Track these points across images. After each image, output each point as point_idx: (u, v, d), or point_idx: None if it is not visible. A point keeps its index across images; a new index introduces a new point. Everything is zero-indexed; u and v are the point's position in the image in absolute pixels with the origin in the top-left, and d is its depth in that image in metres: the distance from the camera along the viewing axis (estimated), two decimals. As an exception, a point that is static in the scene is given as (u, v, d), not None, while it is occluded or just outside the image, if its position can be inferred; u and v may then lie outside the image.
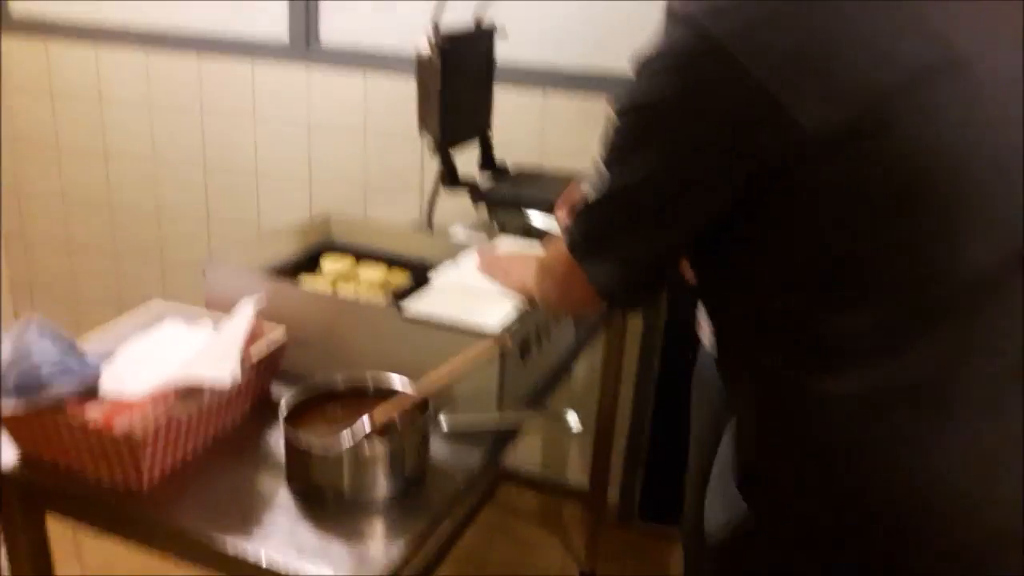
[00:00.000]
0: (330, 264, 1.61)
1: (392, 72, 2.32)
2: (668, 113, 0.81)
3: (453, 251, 1.60)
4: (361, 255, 1.65)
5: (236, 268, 1.43)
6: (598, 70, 2.19)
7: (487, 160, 1.97)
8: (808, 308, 0.80)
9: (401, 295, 1.48)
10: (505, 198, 1.76)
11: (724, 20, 0.77)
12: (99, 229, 2.78)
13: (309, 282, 1.57)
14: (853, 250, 0.78)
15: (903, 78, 0.75)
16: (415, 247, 1.65)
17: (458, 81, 1.75)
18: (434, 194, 1.95)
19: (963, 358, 0.78)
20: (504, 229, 1.81)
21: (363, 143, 2.40)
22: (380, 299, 1.44)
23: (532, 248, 1.52)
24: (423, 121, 1.75)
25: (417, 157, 2.35)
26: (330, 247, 1.67)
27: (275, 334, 1.28)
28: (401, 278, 1.60)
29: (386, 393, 1.17)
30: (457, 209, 2.10)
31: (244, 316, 1.19)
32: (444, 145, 1.77)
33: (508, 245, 1.55)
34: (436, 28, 1.69)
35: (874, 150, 0.75)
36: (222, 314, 1.31)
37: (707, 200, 0.83)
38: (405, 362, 1.26)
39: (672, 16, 0.81)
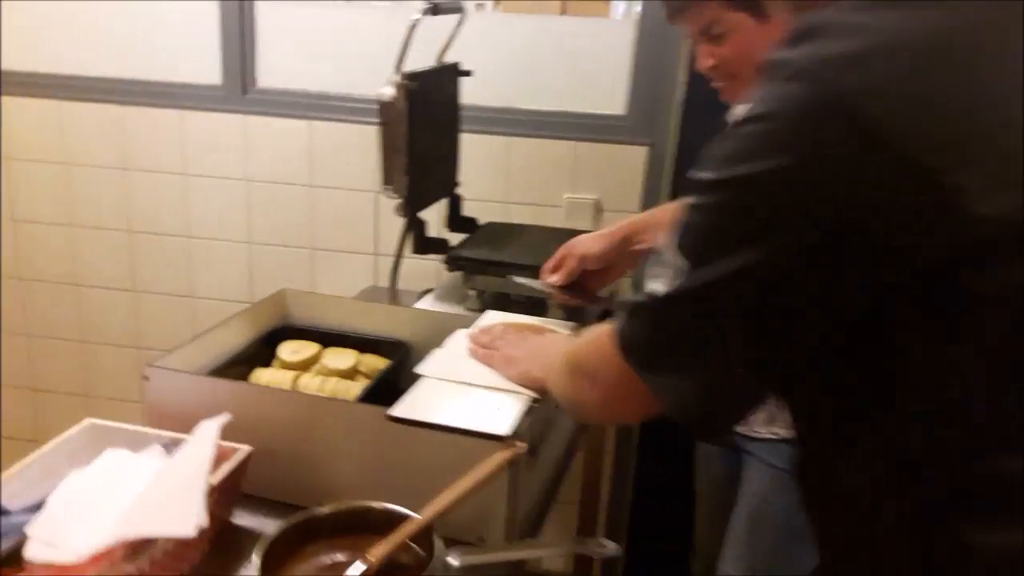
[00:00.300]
0: (290, 352, 1.40)
1: (340, 119, 2.12)
2: (777, 188, 0.63)
3: (431, 328, 1.41)
4: (325, 338, 1.44)
5: (182, 373, 1.20)
6: (564, 112, 2.03)
7: (455, 218, 1.78)
8: (964, 446, 0.64)
9: (379, 388, 1.28)
10: (485, 263, 1.58)
11: (856, 73, 0.60)
12: (7, 305, 2.47)
13: (266, 377, 1.35)
14: None
15: None
16: (386, 325, 1.44)
17: (425, 128, 1.57)
18: (398, 259, 1.75)
19: None
20: (482, 296, 1.62)
21: (309, 198, 2.18)
22: (357, 400, 1.24)
23: (527, 324, 1.33)
24: (388, 177, 1.56)
25: (370, 212, 2.15)
26: (288, 330, 1.46)
27: (238, 453, 1.06)
28: (374, 364, 1.39)
29: (381, 524, 0.96)
30: (418, 269, 1.90)
31: (206, 444, 0.97)
32: (413, 208, 1.58)
33: (496, 319, 1.36)
34: (400, 68, 1.51)
35: None
36: (172, 434, 1.09)
37: (824, 305, 0.65)
38: (394, 477, 1.06)
39: (779, 69, 0.64)
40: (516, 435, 1.02)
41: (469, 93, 1.81)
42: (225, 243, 2.26)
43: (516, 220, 2.04)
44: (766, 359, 0.69)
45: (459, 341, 1.27)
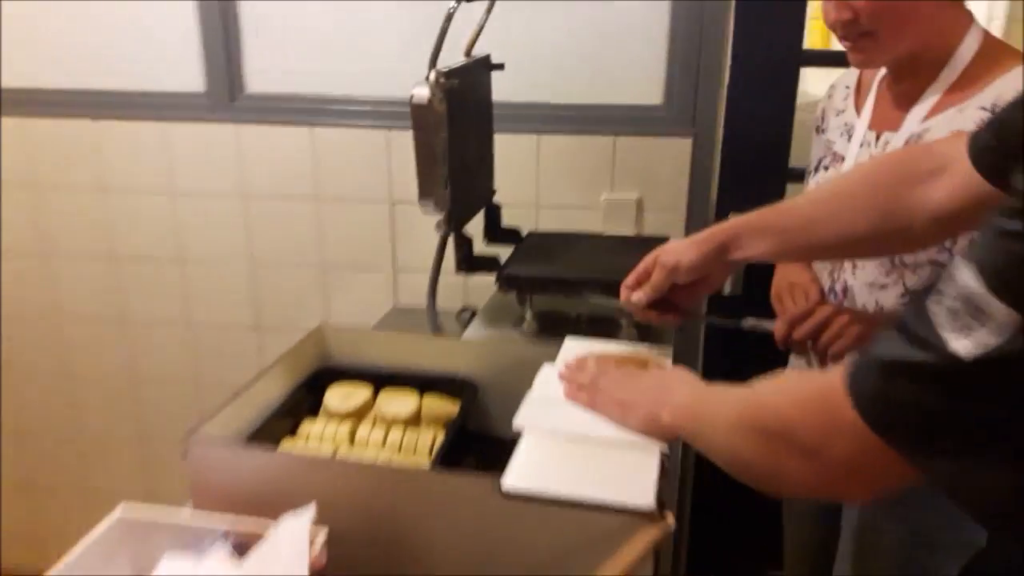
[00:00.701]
0: (339, 399, 1.20)
1: (344, 124, 1.91)
2: None
3: (497, 360, 1.23)
4: (375, 378, 1.24)
5: (229, 446, 1.00)
6: (596, 105, 1.84)
7: (495, 229, 1.59)
8: None
9: (458, 442, 1.09)
10: (547, 282, 1.39)
11: None
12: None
13: (316, 430, 1.15)
14: None
15: None
16: (444, 359, 1.25)
17: (463, 131, 1.38)
18: (435, 279, 1.55)
19: None
20: (539, 317, 1.43)
21: (315, 212, 1.97)
22: (435, 460, 1.05)
23: (623, 355, 1.15)
24: (427, 190, 1.36)
25: (385, 224, 1.95)
26: (332, 372, 1.26)
27: (315, 541, 0.87)
28: (438, 407, 1.20)
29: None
30: (441, 284, 1.69)
31: (295, 552, 0.77)
32: (457, 224, 1.39)
33: (580, 349, 1.18)
34: (435, 65, 1.31)
35: None
36: (226, 518, 0.89)
37: None
38: (507, 563, 0.88)
39: None
40: (662, 507, 0.84)
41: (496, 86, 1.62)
42: (223, 266, 2.04)
43: (547, 225, 1.86)
44: None
45: (551, 380, 1.08)
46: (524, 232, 1.62)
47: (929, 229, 1.00)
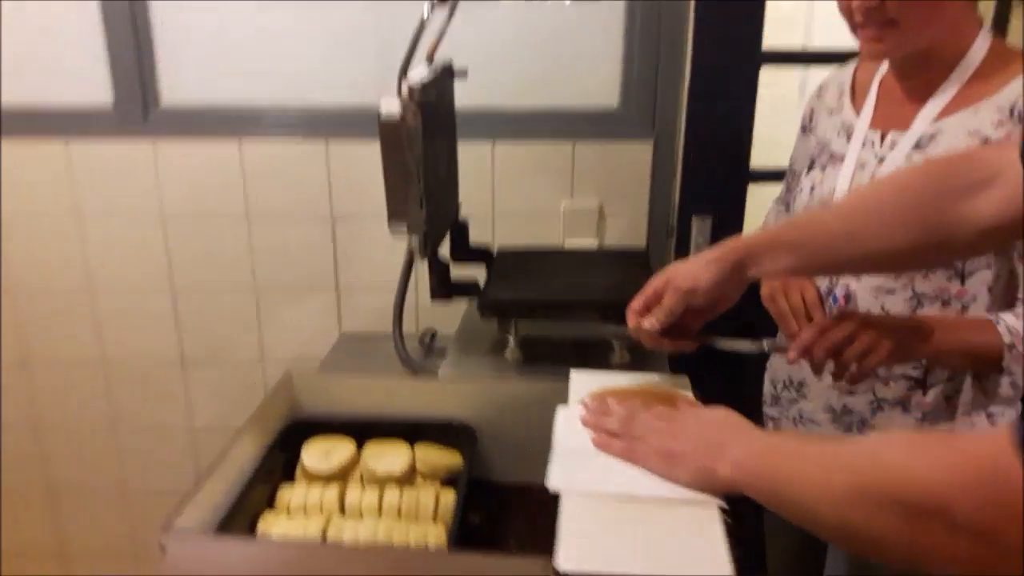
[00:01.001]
0: (317, 458, 1.05)
1: (278, 135, 1.73)
2: None
3: (483, 398, 1.11)
4: (354, 428, 1.10)
5: (216, 540, 0.85)
6: (551, 109, 1.73)
7: (462, 248, 1.46)
8: None
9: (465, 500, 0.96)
10: (534, 305, 1.27)
11: None
12: None
13: (297, 497, 1.00)
14: None
15: None
16: (429, 402, 1.12)
17: (434, 146, 1.25)
18: (400, 307, 1.41)
19: None
20: (523, 344, 1.32)
21: (245, 232, 1.78)
22: (451, 529, 0.91)
23: (644, 390, 1.04)
24: (399, 211, 1.22)
25: (326, 241, 1.78)
26: (304, 426, 1.10)
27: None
28: (433, 458, 1.07)
29: None
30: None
31: None
32: (433, 245, 1.26)
33: (590, 384, 1.06)
34: (404, 75, 1.17)
35: None
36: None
37: None
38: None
39: None
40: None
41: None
42: (140, 296, 1.82)
43: (505, 237, 1.75)
44: None
45: (575, 428, 0.96)
46: (486, 247, 1.50)
47: (972, 243, 0.94)
